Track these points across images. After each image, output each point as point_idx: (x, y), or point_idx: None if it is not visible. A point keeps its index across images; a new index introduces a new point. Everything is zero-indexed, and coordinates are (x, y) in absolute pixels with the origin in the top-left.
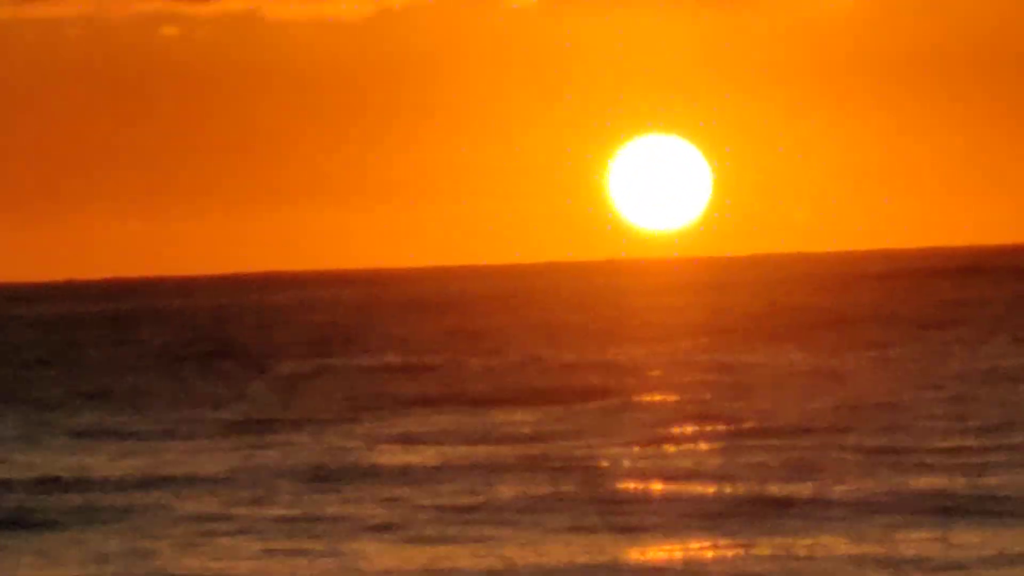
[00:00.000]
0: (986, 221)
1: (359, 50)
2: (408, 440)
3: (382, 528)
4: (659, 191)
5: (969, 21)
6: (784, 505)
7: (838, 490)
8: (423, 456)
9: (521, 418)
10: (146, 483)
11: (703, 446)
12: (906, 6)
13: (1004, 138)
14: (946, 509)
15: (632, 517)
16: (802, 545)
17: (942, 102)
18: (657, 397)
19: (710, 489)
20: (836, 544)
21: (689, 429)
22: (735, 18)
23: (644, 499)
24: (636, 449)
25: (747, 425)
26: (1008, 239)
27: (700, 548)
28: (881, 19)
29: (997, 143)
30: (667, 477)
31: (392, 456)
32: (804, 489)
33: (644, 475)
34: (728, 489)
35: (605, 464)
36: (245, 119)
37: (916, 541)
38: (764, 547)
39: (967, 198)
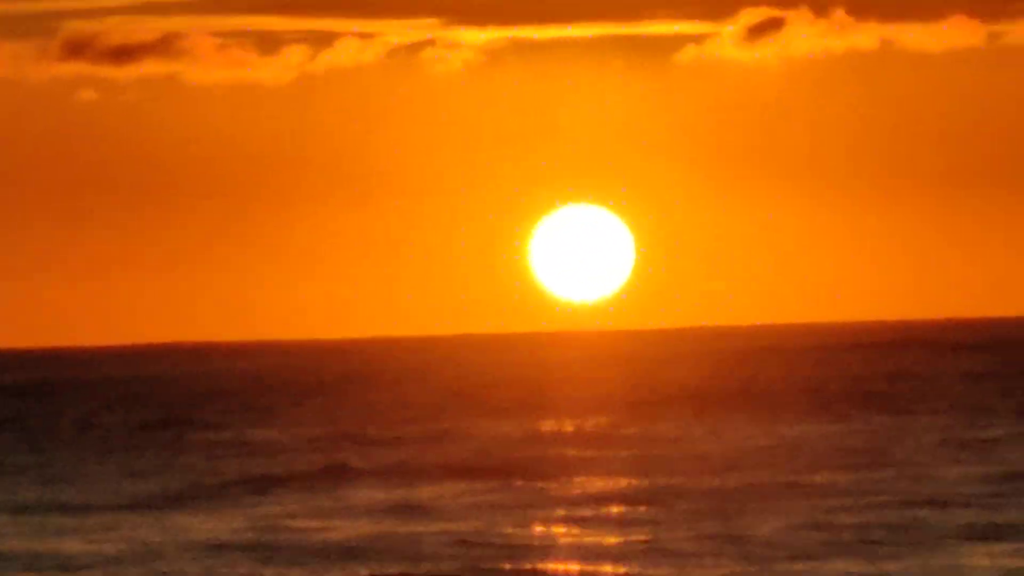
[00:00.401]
0: (907, 297)
1: (280, 115)
2: (322, 515)
3: None
4: (582, 261)
5: (894, 100)
6: None
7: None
8: (341, 531)
9: (438, 492)
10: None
11: (621, 525)
12: (831, 84)
13: (925, 214)
14: None
15: None
16: None
17: (865, 179)
18: (578, 477)
19: (621, 571)
20: None
21: (612, 508)
22: (662, 88)
23: None
24: (547, 528)
25: (667, 501)
26: (928, 315)
27: None
28: (806, 90)
29: (920, 220)
30: (583, 557)
31: (308, 531)
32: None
33: (554, 554)
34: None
35: (515, 542)
36: (162, 184)
37: None
38: None
39: (891, 273)
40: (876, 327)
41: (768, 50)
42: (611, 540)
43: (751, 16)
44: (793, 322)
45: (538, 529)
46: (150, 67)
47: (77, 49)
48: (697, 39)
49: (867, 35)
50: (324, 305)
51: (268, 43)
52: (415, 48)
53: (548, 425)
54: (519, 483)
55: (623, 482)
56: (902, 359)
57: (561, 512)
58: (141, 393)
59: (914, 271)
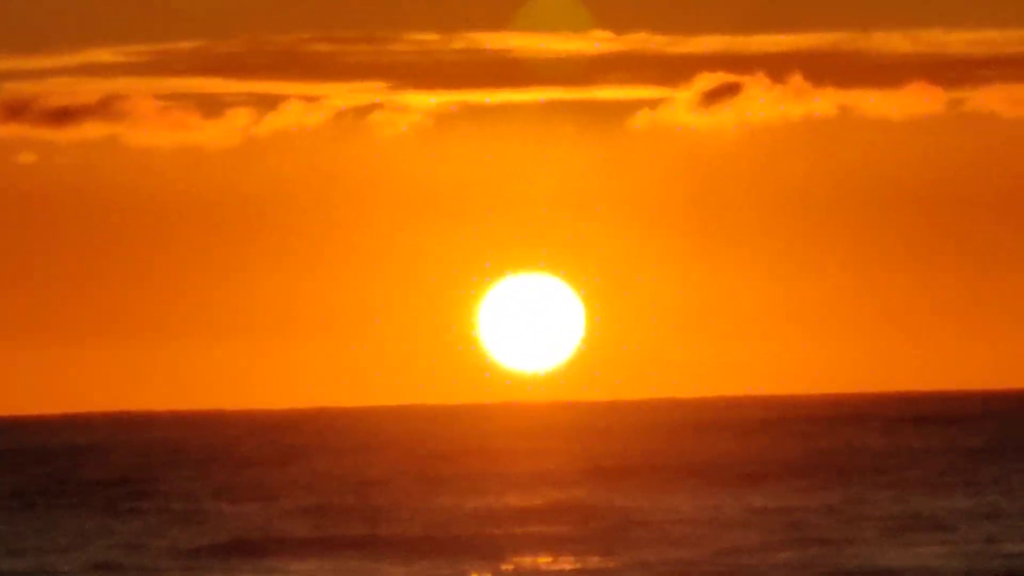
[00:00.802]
0: (864, 369)
1: (224, 179)
2: None
3: None
4: (530, 331)
5: (853, 167)
6: None
7: None
8: None
9: (385, 569)
10: None
11: None
12: (788, 150)
13: (884, 282)
14: None
15: None
16: None
17: (822, 246)
18: (527, 558)
19: None
20: None
21: None
22: (616, 153)
23: None
24: None
25: None
26: (885, 387)
27: None
28: (763, 157)
29: (881, 288)
30: None
31: None
32: None
33: None
34: None
35: None
36: (103, 248)
37: None
38: None
39: (849, 344)
40: (830, 399)
41: (724, 116)
42: None
43: (706, 81)
44: (748, 394)
45: None
46: (91, 129)
47: (16, 111)
48: (651, 104)
49: (825, 101)
50: (266, 374)
51: (211, 105)
52: (362, 111)
53: (498, 499)
54: (469, 562)
55: (584, 559)
56: (857, 432)
57: None
58: (90, 461)
59: (873, 341)
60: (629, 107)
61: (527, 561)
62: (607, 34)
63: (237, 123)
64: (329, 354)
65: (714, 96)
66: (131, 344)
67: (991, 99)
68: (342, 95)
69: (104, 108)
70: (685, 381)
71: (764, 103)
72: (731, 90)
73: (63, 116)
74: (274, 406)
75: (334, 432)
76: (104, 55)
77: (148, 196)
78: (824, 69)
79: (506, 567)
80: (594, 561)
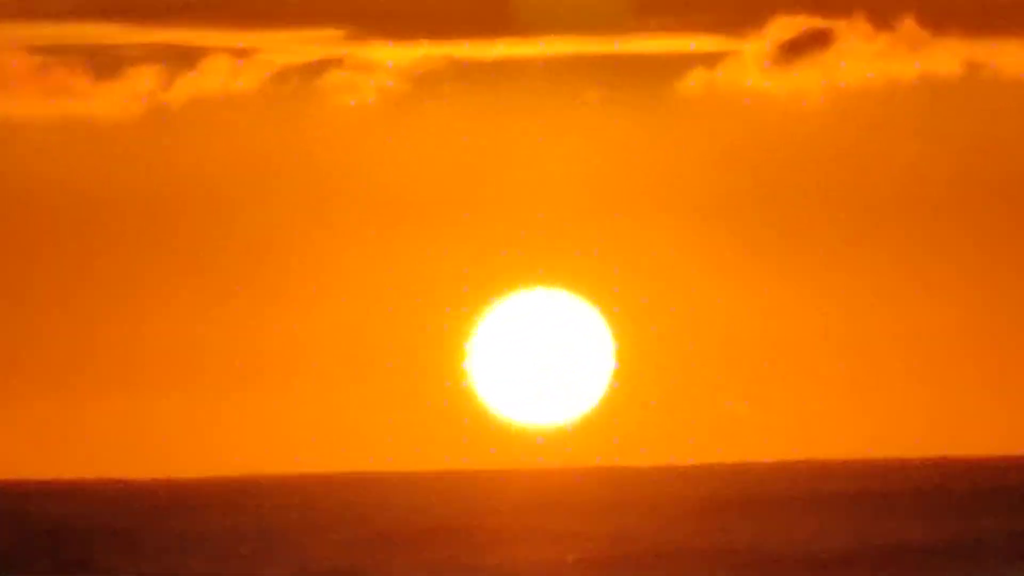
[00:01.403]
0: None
1: (120, 164)
2: None
3: None
4: (540, 370)
5: (983, 143)
6: None
7: None
8: None
9: None
10: None
11: None
12: (895, 123)
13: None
14: None
15: None
16: None
17: (949, 251)
18: None
19: None
20: None
21: None
22: (660, 128)
23: None
24: None
25: None
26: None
27: None
28: (861, 132)
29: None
30: None
31: None
32: None
33: None
34: None
35: None
36: None
37: None
38: None
39: (970, 398)
40: (918, 465)
41: (808, 76)
42: None
43: (784, 28)
44: (822, 458)
45: None
46: None
47: None
48: (708, 60)
49: (947, 55)
50: (162, 437)
51: (105, 63)
52: (311, 71)
53: None
54: None
55: None
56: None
57: None
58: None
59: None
60: (677, 64)
61: None
62: None
63: (139, 87)
64: (259, 410)
65: (795, 49)
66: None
67: None
68: (284, 47)
69: None
70: (743, 440)
71: (863, 58)
72: (819, 40)
73: None
74: (224, 473)
75: (295, 504)
76: None
77: (16, 186)
78: (945, 10)
79: None
80: None
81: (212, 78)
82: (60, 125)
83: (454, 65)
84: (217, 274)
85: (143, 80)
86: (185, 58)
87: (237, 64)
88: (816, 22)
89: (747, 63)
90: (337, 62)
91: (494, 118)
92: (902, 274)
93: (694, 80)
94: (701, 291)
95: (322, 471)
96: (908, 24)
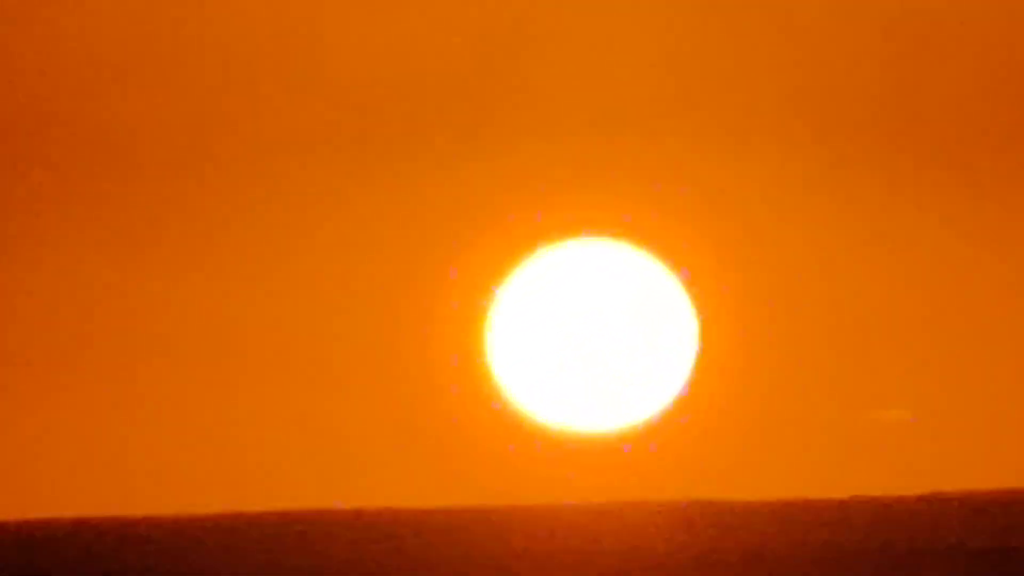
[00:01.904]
0: None
1: None
2: None
3: None
4: (591, 355)
5: None
6: None
7: None
8: None
9: None
10: None
11: None
12: None
13: None
14: None
15: None
16: None
17: None
18: None
19: None
20: None
21: None
22: (756, 6)
23: None
24: None
25: None
26: None
27: None
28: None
29: None
30: None
31: None
32: None
33: None
34: None
35: None
36: None
37: None
38: None
39: None
40: None
41: None
42: None
43: None
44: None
45: None
46: None
47: None
48: None
49: None
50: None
51: None
52: None
53: None
54: None
55: None
56: None
57: None
58: None
59: None
60: None
61: None
62: None
63: None
64: (204, 417)
65: None
66: None
67: None
68: None
69: None
70: (890, 468)
71: None
72: None
73: None
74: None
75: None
76: None
77: None
78: None
79: None
80: None
81: None
82: None
83: None
84: (145, 231)
85: None
86: None
87: None
88: None
89: None
90: None
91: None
92: None
93: None
94: (825, 249)
95: (289, 508)
96: None
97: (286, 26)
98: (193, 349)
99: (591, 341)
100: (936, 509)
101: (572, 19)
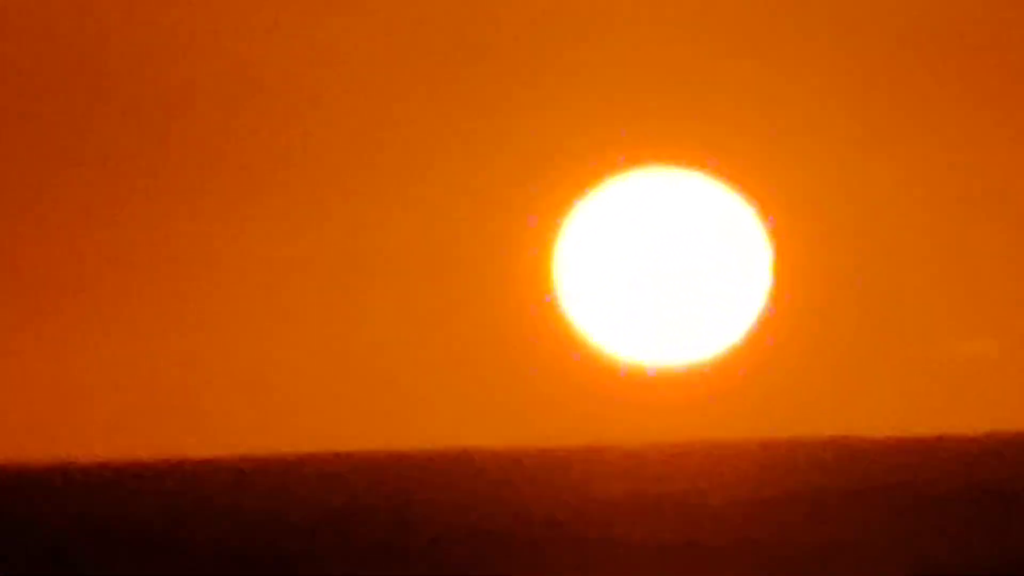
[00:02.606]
0: None
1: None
2: None
3: None
4: (663, 287)
5: None
6: None
7: None
8: None
9: None
10: None
11: None
12: None
13: None
14: None
15: None
16: None
17: None
18: None
19: None
20: None
21: None
22: None
23: None
24: None
25: None
26: None
27: None
28: None
29: None
30: None
31: None
32: None
33: None
34: None
35: None
36: None
37: None
38: None
39: None
40: None
41: None
42: None
43: None
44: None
45: None
46: None
47: None
48: None
49: None
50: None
51: None
52: None
53: None
54: None
55: None
56: None
57: None
58: None
59: None
60: None
61: None
62: None
63: None
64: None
65: None
66: None
67: None
68: None
69: None
70: (987, 403)
71: None
72: None
73: None
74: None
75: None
76: None
77: None
78: None
79: None
80: None
81: None
82: None
83: None
84: (199, 160)
85: None
86: None
87: None
88: None
89: None
90: None
91: None
92: None
93: None
94: (906, 175)
95: (348, 449)
96: None
97: None
98: (261, 280)
99: (663, 273)
100: None
101: None
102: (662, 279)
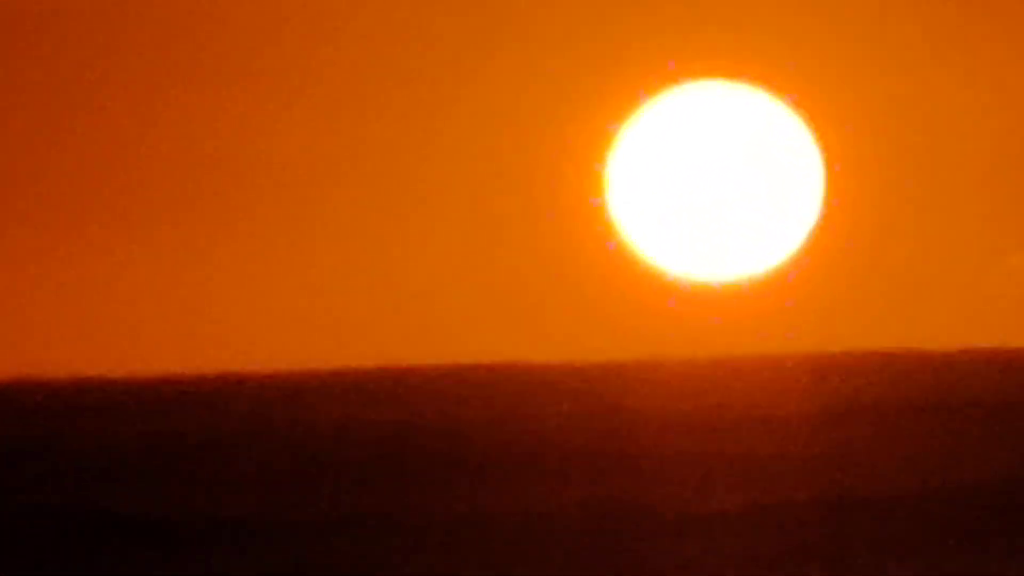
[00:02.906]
0: None
1: None
2: None
3: None
4: (714, 199)
5: None
6: None
7: None
8: None
9: None
10: None
11: None
12: None
13: None
14: None
15: None
16: None
17: None
18: None
19: None
20: None
21: None
22: None
23: None
24: None
25: None
26: None
27: None
28: None
29: None
30: None
31: None
32: None
33: None
34: None
35: None
36: None
37: None
38: None
39: None
40: None
41: None
42: None
43: None
44: None
45: None
46: None
47: None
48: None
49: None
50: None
51: None
52: None
53: None
54: None
55: None
56: None
57: None
58: None
59: None
60: None
61: None
62: None
63: None
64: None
65: None
66: None
67: None
68: None
69: None
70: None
71: None
72: None
73: None
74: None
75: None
76: None
77: None
78: None
79: None
80: None
81: None
82: None
83: None
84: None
85: None
86: None
87: None
88: None
89: None
90: None
91: None
92: None
93: None
94: (957, 88)
95: (400, 364)
96: None
97: None
98: (310, 196)
99: (715, 187)
100: None
101: None
102: (714, 193)
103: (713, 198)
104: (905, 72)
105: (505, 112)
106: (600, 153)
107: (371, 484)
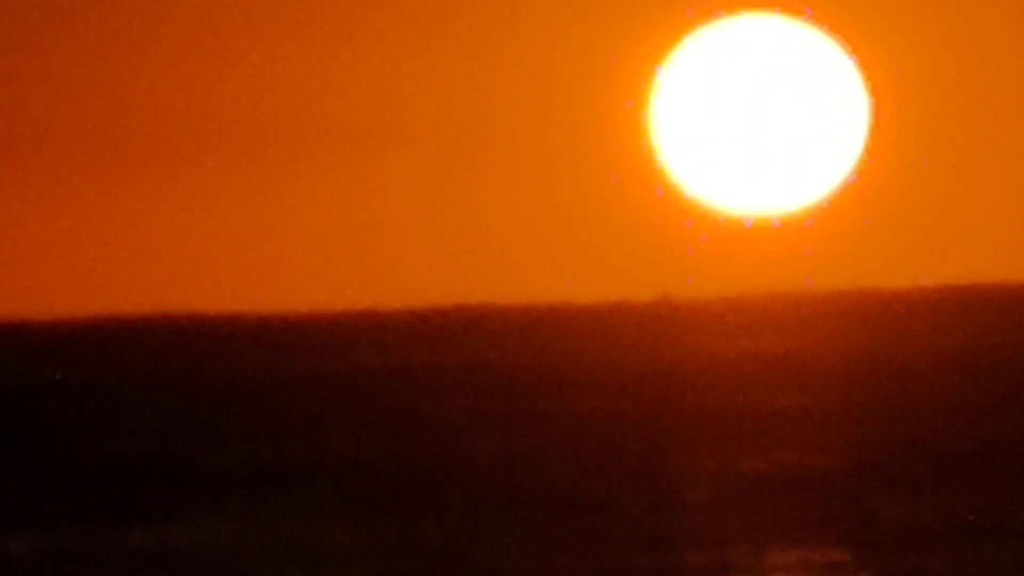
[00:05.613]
0: None
1: None
2: None
3: None
4: (763, 134)
5: None
6: None
7: None
8: None
9: None
10: None
11: None
12: None
13: None
14: None
15: None
16: None
17: None
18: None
19: None
20: None
21: None
22: None
23: None
24: None
25: None
26: None
27: None
28: None
29: None
30: None
31: None
32: None
33: None
34: None
35: None
36: None
37: None
38: None
39: None
40: None
41: None
42: None
43: None
44: None
45: None
46: None
47: None
48: None
49: None
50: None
51: None
52: None
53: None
54: None
55: None
56: None
57: None
58: None
59: None
60: None
61: None
62: None
63: None
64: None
65: None
66: None
67: None
68: None
69: None
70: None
71: None
72: None
73: None
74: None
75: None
76: None
77: None
78: None
79: None
80: None
81: None
82: None
83: None
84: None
85: None
86: None
87: None
88: None
89: None
90: None
91: None
92: None
93: None
94: (1004, 25)
95: (432, 304)
96: None
97: None
98: (357, 135)
99: (759, 121)
100: None
101: None
102: (760, 127)
103: (760, 133)
104: (952, 4)
105: (548, 52)
106: (643, 89)
107: (436, 414)
